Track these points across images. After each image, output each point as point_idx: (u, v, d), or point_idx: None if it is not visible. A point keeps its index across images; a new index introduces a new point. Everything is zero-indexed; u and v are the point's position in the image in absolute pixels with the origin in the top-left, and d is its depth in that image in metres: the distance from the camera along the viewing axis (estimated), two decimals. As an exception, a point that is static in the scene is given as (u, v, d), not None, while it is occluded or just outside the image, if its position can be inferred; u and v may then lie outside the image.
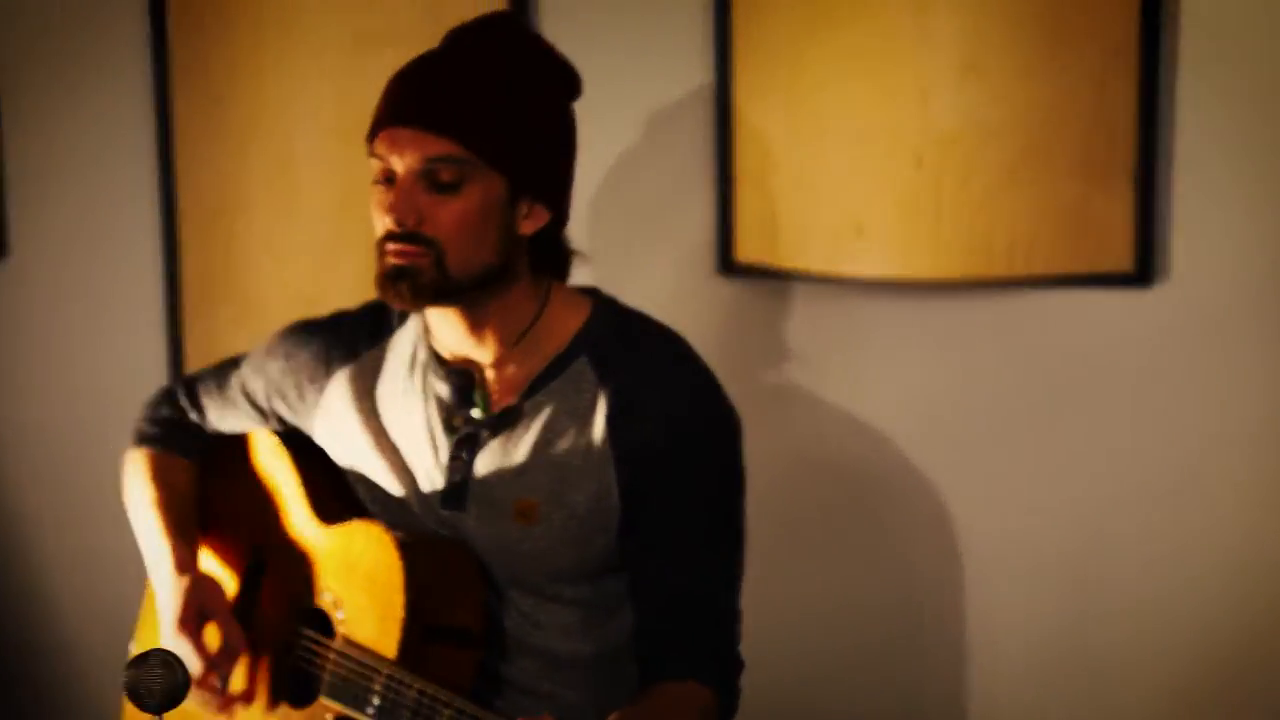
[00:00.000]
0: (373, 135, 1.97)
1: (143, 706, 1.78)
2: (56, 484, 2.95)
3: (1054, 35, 2.43)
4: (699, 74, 2.62)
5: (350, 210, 2.71)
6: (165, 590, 2.15)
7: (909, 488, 2.63)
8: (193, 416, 2.28)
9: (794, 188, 2.58)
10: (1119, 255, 2.46)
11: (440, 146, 1.92)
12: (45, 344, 2.90)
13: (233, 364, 2.26)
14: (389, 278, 1.95)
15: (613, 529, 2.00)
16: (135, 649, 2.28)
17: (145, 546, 2.22)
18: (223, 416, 2.25)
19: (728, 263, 2.64)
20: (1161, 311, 2.48)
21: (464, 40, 2.00)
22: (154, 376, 2.85)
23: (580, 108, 2.08)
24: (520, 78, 1.98)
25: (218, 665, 2.11)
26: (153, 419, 2.29)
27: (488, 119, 1.94)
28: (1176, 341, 2.49)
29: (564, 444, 2.01)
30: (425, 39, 2.05)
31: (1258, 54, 2.40)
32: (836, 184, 2.54)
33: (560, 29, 2.63)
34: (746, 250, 2.62)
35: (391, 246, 1.94)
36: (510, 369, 2.04)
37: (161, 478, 2.24)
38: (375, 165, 1.97)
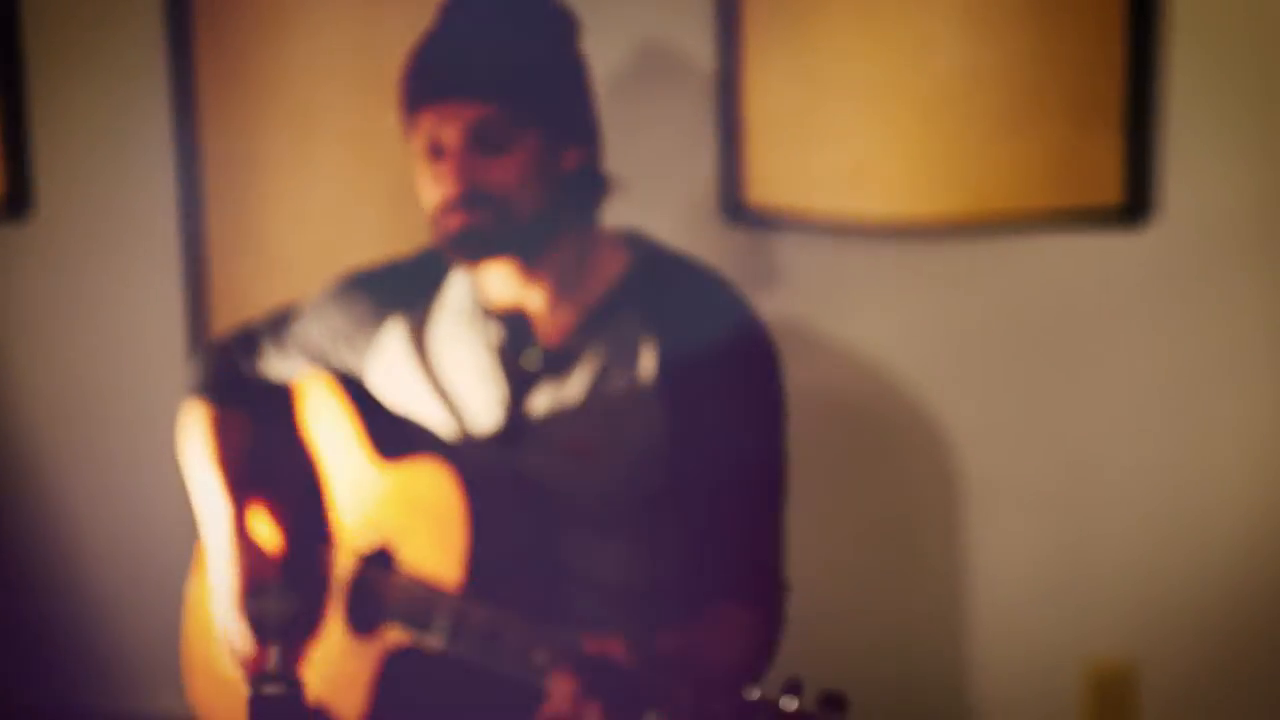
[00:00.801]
0: (412, 112, 2.04)
1: (260, 636, 1.86)
2: (82, 436, 2.97)
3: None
4: (706, 24, 2.67)
5: (370, 162, 2.75)
6: (220, 555, 2.21)
7: (909, 423, 2.72)
8: (248, 366, 2.32)
9: (799, 133, 2.65)
10: (1110, 191, 2.57)
11: (484, 111, 2.00)
12: (71, 297, 2.92)
13: (287, 313, 2.31)
14: (457, 242, 2.03)
15: (663, 463, 2.08)
16: (192, 592, 2.33)
17: (200, 501, 2.27)
18: (279, 364, 2.31)
19: (732, 206, 2.72)
20: (1154, 248, 2.57)
21: (468, 8, 2.07)
22: (178, 329, 2.88)
23: (588, 56, 2.14)
24: (534, 32, 2.07)
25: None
26: (210, 371, 2.34)
27: (519, 78, 2.02)
28: (1169, 276, 2.59)
29: (613, 384, 2.08)
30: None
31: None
32: (840, 130, 2.62)
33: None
34: (751, 193, 2.70)
35: (454, 212, 2.02)
36: (559, 313, 2.11)
37: (219, 433, 2.29)
38: (419, 142, 2.04)
